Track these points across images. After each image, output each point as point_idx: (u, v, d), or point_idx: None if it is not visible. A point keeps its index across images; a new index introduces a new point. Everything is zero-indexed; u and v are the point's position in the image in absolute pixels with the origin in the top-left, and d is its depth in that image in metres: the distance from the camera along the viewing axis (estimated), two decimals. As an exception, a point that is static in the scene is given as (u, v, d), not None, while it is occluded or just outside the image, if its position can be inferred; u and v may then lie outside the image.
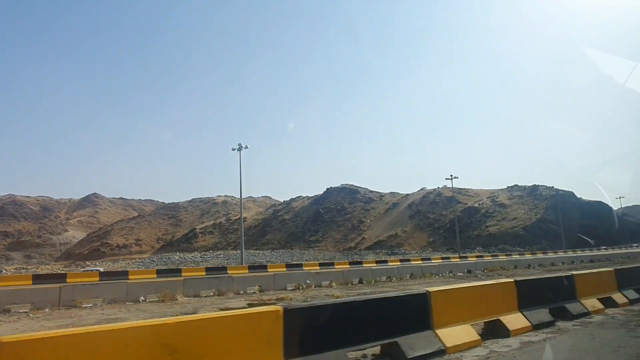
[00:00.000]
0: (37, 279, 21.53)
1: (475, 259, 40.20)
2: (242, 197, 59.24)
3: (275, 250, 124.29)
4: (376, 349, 6.17)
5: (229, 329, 4.55)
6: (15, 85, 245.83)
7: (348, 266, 31.56)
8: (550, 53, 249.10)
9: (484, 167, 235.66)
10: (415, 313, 6.44)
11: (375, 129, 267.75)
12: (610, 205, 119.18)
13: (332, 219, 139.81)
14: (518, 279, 8.72)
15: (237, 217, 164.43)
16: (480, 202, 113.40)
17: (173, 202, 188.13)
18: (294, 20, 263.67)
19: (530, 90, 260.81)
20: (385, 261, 38.43)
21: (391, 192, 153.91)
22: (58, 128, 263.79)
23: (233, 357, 4.39)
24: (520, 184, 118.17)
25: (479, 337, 6.92)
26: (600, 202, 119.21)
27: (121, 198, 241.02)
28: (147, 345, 3.88)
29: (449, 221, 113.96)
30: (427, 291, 6.67)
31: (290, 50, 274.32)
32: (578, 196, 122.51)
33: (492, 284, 8.54)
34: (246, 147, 48.55)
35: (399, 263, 34.77)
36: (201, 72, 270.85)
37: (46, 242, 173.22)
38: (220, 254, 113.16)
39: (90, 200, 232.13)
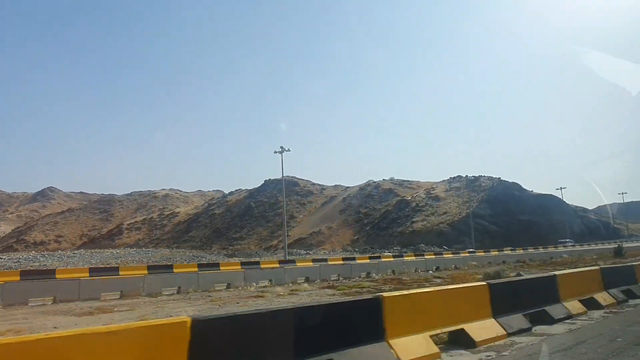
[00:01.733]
0: None
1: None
2: (190, 191, 50.09)
3: (195, 249, 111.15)
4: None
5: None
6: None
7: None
8: (543, 53, 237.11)
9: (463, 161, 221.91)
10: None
11: (344, 121, 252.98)
12: (559, 197, 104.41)
13: (263, 213, 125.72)
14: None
15: (170, 212, 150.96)
16: (415, 195, 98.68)
17: (110, 194, 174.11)
18: (286, 17, 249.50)
19: (525, 91, 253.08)
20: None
21: (335, 185, 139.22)
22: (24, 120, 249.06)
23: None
24: (467, 175, 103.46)
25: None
26: (551, 195, 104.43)
27: (81, 192, 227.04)
28: None
29: (380, 216, 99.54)
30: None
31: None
32: (530, 190, 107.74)
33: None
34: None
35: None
36: (185, 65, 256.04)
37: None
38: (133, 252, 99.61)
39: (45, 194, 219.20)
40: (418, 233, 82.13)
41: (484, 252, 44.99)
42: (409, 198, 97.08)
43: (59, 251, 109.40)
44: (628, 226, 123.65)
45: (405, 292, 6.57)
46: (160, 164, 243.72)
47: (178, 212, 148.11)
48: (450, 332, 6.69)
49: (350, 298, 5.99)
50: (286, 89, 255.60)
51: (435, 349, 6.03)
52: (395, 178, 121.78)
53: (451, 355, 6.24)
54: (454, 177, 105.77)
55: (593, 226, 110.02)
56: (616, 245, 37.39)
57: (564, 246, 53.31)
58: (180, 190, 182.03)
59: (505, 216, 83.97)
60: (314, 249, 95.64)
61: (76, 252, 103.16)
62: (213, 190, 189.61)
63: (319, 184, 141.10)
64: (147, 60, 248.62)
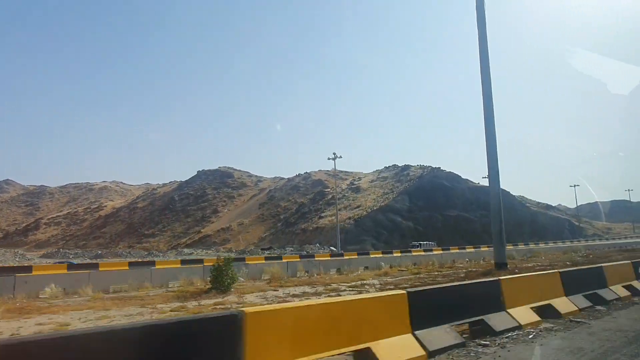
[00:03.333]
0: None
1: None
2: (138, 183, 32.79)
3: (101, 247, 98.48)
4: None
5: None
6: None
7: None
8: (535, 52, 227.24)
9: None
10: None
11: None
12: (506, 191, 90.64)
13: (185, 207, 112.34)
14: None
15: (96, 206, 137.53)
16: (336, 187, 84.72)
17: (41, 186, 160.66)
18: (280, 15, 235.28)
19: (518, 90, 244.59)
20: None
21: (274, 177, 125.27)
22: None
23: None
24: (400, 164, 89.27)
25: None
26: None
27: (42, 186, 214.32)
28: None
29: (294, 210, 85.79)
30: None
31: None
32: (475, 181, 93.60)
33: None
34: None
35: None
36: (177, 62, 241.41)
37: None
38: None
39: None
40: (321, 230, 68.43)
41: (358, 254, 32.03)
42: (327, 190, 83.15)
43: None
44: (593, 224, 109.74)
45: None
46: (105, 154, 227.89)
47: (105, 206, 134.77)
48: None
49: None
50: (280, 86, 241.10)
51: None
52: (331, 169, 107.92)
53: None
54: (388, 167, 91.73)
55: (552, 223, 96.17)
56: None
57: (423, 250, 38.67)
58: (124, 183, 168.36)
59: (427, 211, 69.99)
60: (216, 247, 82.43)
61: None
62: (162, 183, 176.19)
63: (257, 176, 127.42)
64: (134, 56, 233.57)
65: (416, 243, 41.66)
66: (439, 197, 73.16)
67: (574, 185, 79.82)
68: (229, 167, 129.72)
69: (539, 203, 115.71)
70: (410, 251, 37.15)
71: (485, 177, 62.57)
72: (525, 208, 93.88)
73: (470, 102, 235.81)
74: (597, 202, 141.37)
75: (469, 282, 8.91)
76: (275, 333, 4.07)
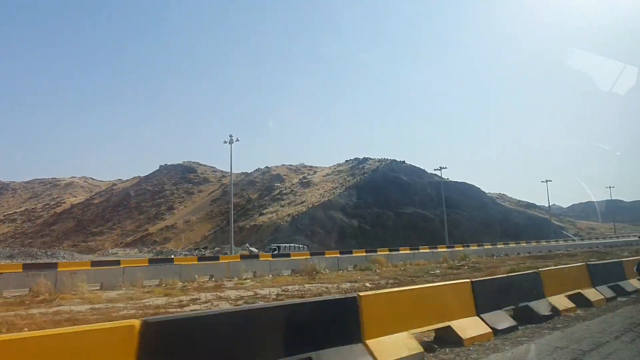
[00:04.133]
0: None
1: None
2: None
3: (44, 247, 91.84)
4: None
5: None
6: None
7: None
8: (531, 53, 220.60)
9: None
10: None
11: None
12: (476, 186, 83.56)
13: (140, 204, 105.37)
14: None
15: (55, 202, 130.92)
16: (288, 181, 77.59)
17: (11, 182, 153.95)
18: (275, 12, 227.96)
19: (513, 89, 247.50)
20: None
21: (241, 173, 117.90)
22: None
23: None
24: (358, 157, 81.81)
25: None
26: (464, 183, 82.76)
27: (11, 182, 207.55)
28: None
29: (242, 207, 78.65)
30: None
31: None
32: (447, 178, 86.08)
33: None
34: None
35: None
36: (171, 60, 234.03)
37: None
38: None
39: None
40: (258, 228, 61.25)
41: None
42: (278, 184, 75.96)
43: None
44: (576, 224, 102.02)
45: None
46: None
47: (63, 203, 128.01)
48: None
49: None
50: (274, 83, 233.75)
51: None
52: (296, 164, 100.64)
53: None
54: (349, 160, 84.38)
55: (529, 223, 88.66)
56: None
57: (339, 252, 31.64)
58: (93, 179, 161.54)
59: (378, 208, 62.66)
60: (155, 246, 75.67)
61: None
62: (124, 179, 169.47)
63: (222, 171, 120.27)
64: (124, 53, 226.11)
65: (274, 246, 34.44)
66: (393, 193, 65.80)
67: (546, 182, 72.33)
68: (193, 162, 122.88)
69: (519, 201, 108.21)
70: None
71: (438, 169, 55.18)
72: (499, 206, 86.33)
73: (465, 100, 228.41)
74: (589, 201, 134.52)
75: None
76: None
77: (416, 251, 39.23)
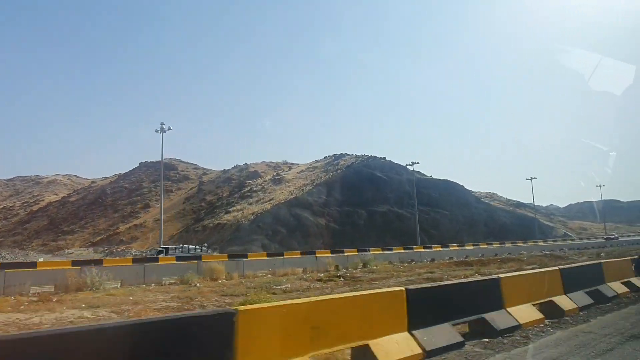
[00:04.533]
0: None
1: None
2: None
3: (15, 246, 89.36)
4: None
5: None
6: None
7: None
8: (528, 52, 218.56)
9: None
10: None
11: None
12: (459, 184, 79.73)
13: (115, 202, 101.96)
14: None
15: (34, 200, 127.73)
16: (260, 178, 73.99)
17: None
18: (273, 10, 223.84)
19: (510, 89, 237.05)
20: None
21: (223, 170, 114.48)
22: None
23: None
24: (339, 153, 77.88)
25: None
26: (446, 181, 78.96)
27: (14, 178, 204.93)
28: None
29: (210, 205, 75.11)
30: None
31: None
32: (429, 175, 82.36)
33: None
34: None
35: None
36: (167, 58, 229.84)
37: None
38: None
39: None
40: (221, 227, 57.63)
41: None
42: (250, 182, 72.34)
43: None
44: (567, 224, 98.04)
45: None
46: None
47: (42, 200, 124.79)
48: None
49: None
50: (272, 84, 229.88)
51: None
52: (277, 161, 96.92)
53: None
54: (327, 156, 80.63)
55: (517, 222, 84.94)
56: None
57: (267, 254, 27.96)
58: (77, 176, 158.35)
59: (349, 206, 58.90)
60: (124, 246, 72.47)
61: None
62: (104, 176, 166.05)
63: (204, 168, 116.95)
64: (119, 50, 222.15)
65: (161, 248, 30.81)
66: (366, 190, 62.05)
67: (531, 179, 68.53)
68: (174, 159, 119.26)
69: (508, 200, 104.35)
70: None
71: (410, 164, 51.41)
72: (484, 205, 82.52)
73: (465, 99, 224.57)
74: (585, 201, 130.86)
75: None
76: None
77: (388, 251, 35.78)
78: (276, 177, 70.69)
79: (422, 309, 5.67)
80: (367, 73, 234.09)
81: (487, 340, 5.98)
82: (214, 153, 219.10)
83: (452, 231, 68.98)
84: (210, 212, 67.91)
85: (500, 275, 7.45)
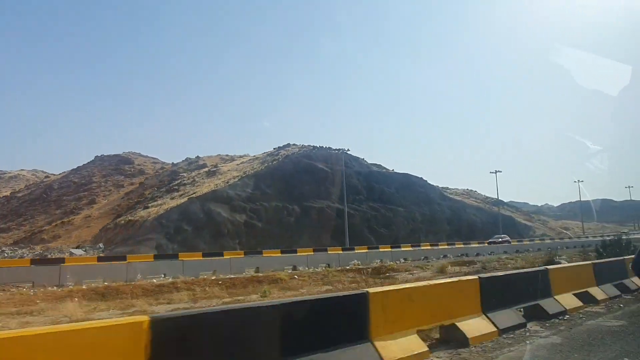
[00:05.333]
0: None
1: None
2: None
3: None
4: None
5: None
6: None
7: None
8: (524, 52, 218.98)
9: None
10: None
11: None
12: (420, 177, 72.07)
13: (60, 197, 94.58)
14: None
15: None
16: (196, 171, 66.47)
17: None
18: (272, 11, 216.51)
19: (506, 89, 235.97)
20: None
21: (173, 163, 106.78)
22: None
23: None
24: (287, 143, 70.08)
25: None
26: (406, 174, 70.98)
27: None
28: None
29: (137, 201, 67.56)
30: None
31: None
32: (390, 169, 74.53)
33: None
34: None
35: None
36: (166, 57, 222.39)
37: None
38: None
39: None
40: (130, 225, 50.04)
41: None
42: (180, 175, 64.78)
43: None
44: (547, 224, 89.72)
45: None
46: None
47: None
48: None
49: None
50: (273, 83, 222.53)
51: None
52: (232, 154, 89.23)
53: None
54: (276, 148, 72.78)
55: (491, 221, 76.85)
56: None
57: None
58: (44, 171, 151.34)
59: (279, 201, 51.09)
60: (44, 244, 64.97)
61: None
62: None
63: (163, 162, 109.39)
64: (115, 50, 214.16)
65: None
66: (303, 183, 54.32)
67: (495, 172, 60.60)
68: (132, 153, 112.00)
69: (486, 198, 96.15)
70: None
71: (346, 152, 43.51)
72: (449, 202, 74.53)
73: (465, 99, 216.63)
74: (577, 200, 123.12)
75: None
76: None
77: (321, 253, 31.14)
78: (212, 170, 63.18)
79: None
80: (367, 73, 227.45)
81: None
82: (214, 153, 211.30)
83: (408, 230, 61.11)
84: (131, 207, 60.56)
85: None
